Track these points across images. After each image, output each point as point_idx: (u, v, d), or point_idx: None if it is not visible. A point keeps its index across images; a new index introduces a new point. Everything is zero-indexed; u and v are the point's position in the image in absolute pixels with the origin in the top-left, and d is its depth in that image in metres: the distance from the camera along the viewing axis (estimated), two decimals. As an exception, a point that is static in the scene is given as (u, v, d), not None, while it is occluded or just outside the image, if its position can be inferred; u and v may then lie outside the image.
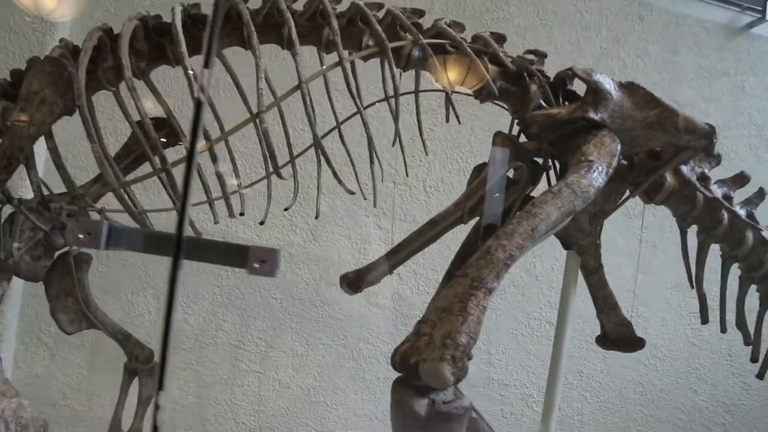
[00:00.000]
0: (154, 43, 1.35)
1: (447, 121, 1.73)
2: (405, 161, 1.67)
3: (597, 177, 1.24)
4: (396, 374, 1.13)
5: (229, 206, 1.38)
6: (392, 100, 1.42)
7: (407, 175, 1.85)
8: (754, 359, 1.72)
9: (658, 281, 2.65)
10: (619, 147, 1.32)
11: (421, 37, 1.33)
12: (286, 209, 1.68)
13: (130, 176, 1.48)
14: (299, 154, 1.52)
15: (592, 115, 1.33)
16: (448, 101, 1.48)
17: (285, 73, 1.45)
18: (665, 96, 2.75)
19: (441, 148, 2.46)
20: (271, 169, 1.36)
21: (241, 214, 1.58)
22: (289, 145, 1.44)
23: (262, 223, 1.60)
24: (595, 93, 1.33)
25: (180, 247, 0.55)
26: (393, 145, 1.48)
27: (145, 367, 1.82)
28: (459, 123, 1.56)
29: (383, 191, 2.40)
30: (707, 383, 2.66)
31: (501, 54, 1.42)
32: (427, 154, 1.79)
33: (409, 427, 1.03)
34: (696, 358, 2.64)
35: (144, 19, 1.33)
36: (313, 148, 1.46)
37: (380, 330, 2.37)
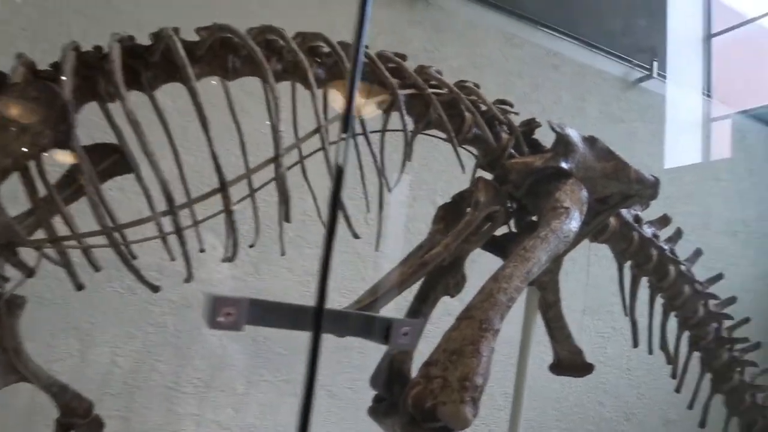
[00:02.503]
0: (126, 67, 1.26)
1: (409, 159, 1.79)
2: (366, 197, 1.70)
3: (575, 223, 1.37)
4: (336, 409, 1.14)
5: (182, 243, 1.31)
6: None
7: (368, 211, 1.87)
8: (673, 376, 1.96)
9: (570, 305, 2.88)
10: (586, 194, 1.46)
11: (426, 86, 1.38)
12: (251, 246, 1.63)
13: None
14: (259, 188, 1.48)
15: (563, 164, 1.46)
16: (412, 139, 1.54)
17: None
18: (576, 137, 3.01)
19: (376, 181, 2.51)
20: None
21: (202, 251, 1.51)
22: (249, 180, 1.41)
23: (201, 250, 1.54)
24: (566, 145, 1.47)
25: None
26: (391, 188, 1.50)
27: (84, 420, 1.65)
28: (410, 160, 1.62)
29: (319, 223, 2.40)
30: (611, 396, 2.95)
31: (480, 102, 1.52)
32: (390, 191, 1.83)
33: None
34: (602, 374, 2.92)
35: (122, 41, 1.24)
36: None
37: (323, 363, 2.35)
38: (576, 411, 2.86)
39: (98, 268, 1.32)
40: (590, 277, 2.75)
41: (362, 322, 0.59)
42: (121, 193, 2.10)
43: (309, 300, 2.13)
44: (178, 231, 1.16)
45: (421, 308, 1.63)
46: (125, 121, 1.15)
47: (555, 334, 1.69)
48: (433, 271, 1.60)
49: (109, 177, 1.46)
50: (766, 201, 3.43)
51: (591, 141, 1.53)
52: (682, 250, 3.20)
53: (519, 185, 1.48)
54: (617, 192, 1.57)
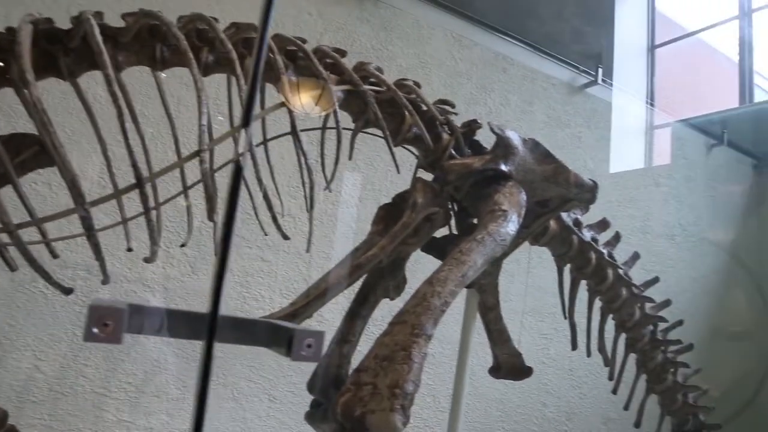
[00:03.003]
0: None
1: (350, 158, 1.76)
2: (312, 197, 1.66)
3: (512, 226, 1.36)
4: (277, 414, 1.11)
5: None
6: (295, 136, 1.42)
7: (309, 210, 1.83)
8: (611, 377, 1.99)
9: (515, 307, 2.91)
10: (524, 197, 1.46)
11: (361, 83, 1.34)
12: (182, 245, 1.57)
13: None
14: (192, 185, 1.42)
15: (502, 167, 1.45)
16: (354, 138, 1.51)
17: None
18: (523, 140, 3.03)
19: (319, 180, 2.47)
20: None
21: (129, 249, 1.43)
22: (183, 178, 1.35)
23: (147, 260, 1.47)
24: (506, 147, 1.46)
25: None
26: (327, 186, 1.46)
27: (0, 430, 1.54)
28: (350, 159, 1.59)
29: (266, 223, 2.34)
30: (553, 396, 2.99)
31: (420, 102, 1.49)
32: (330, 191, 1.78)
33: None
34: (545, 374, 2.96)
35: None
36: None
37: (262, 367, 2.29)
38: (519, 411, 2.89)
39: (14, 268, 1.23)
40: (533, 279, 2.78)
41: (262, 330, 0.55)
42: (48, 188, 1.98)
43: (248, 300, 2.06)
44: (88, 230, 1.09)
45: (359, 311, 1.59)
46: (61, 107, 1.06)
47: (494, 337, 1.68)
48: (373, 272, 1.57)
49: (28, 170, 1.37)
50: (702, 206, 3.56)
51: (532, 144, 1.53)
52: (623, 254, 3.27)
53: (458, 186, 1.46)
54: (556, 195, 1.57)
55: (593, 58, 3.10)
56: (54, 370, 1.98)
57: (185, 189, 1.38)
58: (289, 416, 2.30)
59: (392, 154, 1.45)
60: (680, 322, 2.05)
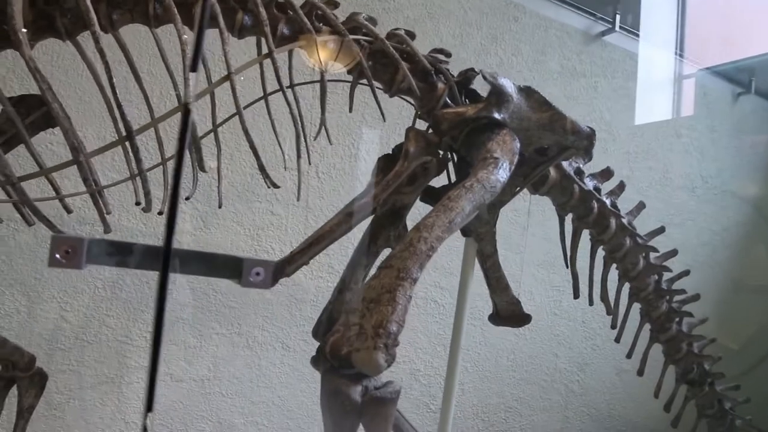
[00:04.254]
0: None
1: (350, 111, 1.77)
2: (307, 149, 1.69)
3: (503, 173, 1.36)
4: (291, 361, 1.16)
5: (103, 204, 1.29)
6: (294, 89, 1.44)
7: (309, 163, 1.86)
8: (613, 326, 2.01)
9: (526, 259, 2.92)
10: (518, 145, 1.46)
11: (346, 32, 1.35)
12: (187, 198, 1.62)
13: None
14: (202, 137, 1.46)
15: (495, 115, 1.44)
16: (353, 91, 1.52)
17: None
18: (535, 92, 2.99)
19: (332, 134, 2.49)
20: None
21: (137, 203, 1.49)
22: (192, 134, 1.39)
23: (160, 213, 1.53)
24: (499, 95, 1.45)
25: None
26: (316, 136, 1.49)
27: (26, 374, 1.66)
28: (350, 111, 1.60)
29: (277, 177, 2.38)
30: (566, 347, 3.03)
31: (413, 51, 1.49)
32: (331, 143, 1.81)
33: (347, 415, 1.07)
34: (557, 326, 2.99)
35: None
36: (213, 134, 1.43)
37: (275, 316, 2.37)
38: (531, 362, 2.94)
39: (30, 222, 1.30)
40: (545, 231, 2.78)
41: (218, 262, 0.59)
42: (64, 148, 2.05)
43: (259, 253, 2.12)
44: (88, 184, 1.14)
45: (361, 259, 1.64)
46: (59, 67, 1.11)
47: (493, 285, 1.71)
48: (375, 223, 1.61)
49: (39, 130, 1.43)
50: (725, 157, 3.47)
51: (527, 91, 1.51)
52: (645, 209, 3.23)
53: (454, 136, 1.46)
54: (554, 143, 1.57)
55: (611, 3, 3.00)
56: (79, 320, 2.10)
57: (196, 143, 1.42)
58: (301, 363, 2.40)
59: (378, 104, 1.46)
60: (687, 272, 2.04)
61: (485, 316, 1.77)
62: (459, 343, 1.70)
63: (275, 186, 1.31)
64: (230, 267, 0.57)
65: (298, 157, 1.36)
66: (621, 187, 1.91)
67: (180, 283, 2.25)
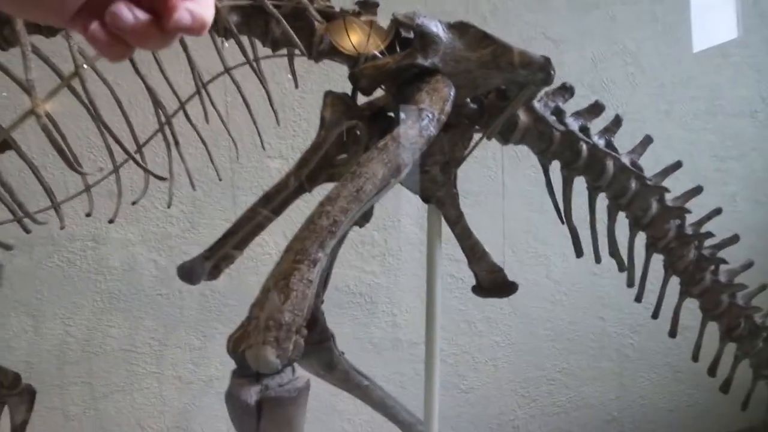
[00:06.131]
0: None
1: (296, 87, 1.64)
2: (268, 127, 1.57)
3: (427, 125, 1.18)
4: None
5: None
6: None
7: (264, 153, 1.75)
8: (630, 284, 1.75)
9: (553, 218, 2.66)
10: (452, 91, 1.26)
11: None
12: (133, 203, 1.56)
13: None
14: (147, 141, 1.39)
15: (421, 61, 1.26)
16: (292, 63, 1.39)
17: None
18: (539, 35, 2.72)
19: (315, 114, 2.37)
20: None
21: (88, 215, 1.44)
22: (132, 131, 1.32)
23: (111, 221, 1.48)
24: (422, 38, 1.26)
25: None
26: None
27: (13, 392, 1.68)
28: (296, 87, 1.47)
29: (259, 167, 2.29)
30: (613, 309, 2.74)
31: (327, 7, 1.33)
32: (278, 124, 1.68)
33: (241, 418, 0.96)
34: (599, 287, 2.70)
35: None
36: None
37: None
38: (573, 329, 2.68)
39: (8, 247, 1.28)
40: (578, 185, 2.50)
41: None
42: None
43: (252, 246, 2.00)
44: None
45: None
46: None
47: (468, 253, 1.52)
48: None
49: None
50: (789, 71, 2.98)
51: (460, 28, 1.30)
52: (682, 145, 2.85)
53: (392, 93, 1.29)
54: (505, 82, 1.35)
55: None
56: (83, 333, 2.13)
57: (139, 147, 1.34)
58: (310, 355, 2.32)
59: (293, 71, 1.31)
60: (719, 211, 1.73)
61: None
62: (435, 321, 1.53)
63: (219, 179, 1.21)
64: None
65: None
66: (617, 122, 1.64)
67: (177, 287, 2.23)
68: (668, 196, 1.68)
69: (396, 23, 1.35)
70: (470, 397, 2.53)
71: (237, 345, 1.01)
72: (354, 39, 1.33)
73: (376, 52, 1.30)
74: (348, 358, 1.66)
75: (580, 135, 1.55)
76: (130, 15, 0.40)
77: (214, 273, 1.41)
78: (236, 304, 2.23)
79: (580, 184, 1.65)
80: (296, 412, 0.97)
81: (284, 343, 0.96)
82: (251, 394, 0.95)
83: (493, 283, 1.55)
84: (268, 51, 1.34)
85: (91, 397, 2.13)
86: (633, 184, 1.63)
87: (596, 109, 1.61)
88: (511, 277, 1.58)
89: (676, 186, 1.71)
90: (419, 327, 2.49)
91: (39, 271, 2.08)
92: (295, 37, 1.27)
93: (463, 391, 2.50)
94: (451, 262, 2.45)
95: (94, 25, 0.41)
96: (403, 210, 2.35)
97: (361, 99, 1.38)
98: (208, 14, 0.43)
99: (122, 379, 2.17)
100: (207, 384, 2.23)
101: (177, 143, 1.26)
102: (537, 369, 2.63)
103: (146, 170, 1.24)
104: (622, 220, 1.71)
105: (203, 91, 1.32)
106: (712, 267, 1.73)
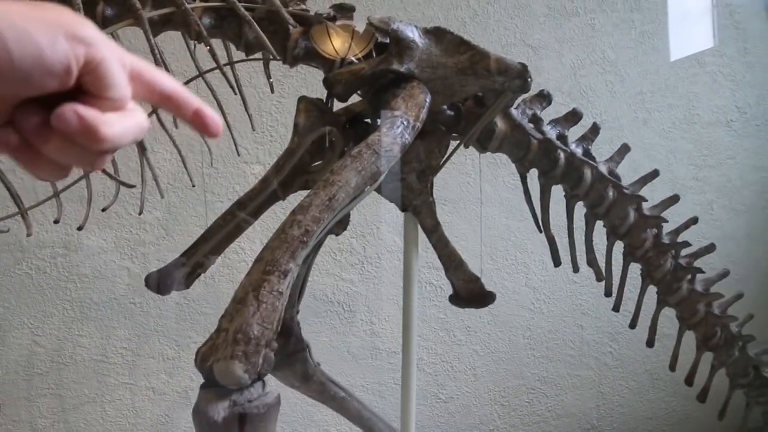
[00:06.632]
0: None
1: (272, 91, 1.61)
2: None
3: (402, 133, 1.16)
4: None
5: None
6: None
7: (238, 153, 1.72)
8: (607, 293, 1.75)
9: (532, 226, 2.65)
10: (428, 98, 1.25)
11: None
12: (103, 210, 1.51)
13: None
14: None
15: (396, 67, 1.24)
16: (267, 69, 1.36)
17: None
18: (519, 41, 2.72)
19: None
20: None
21: (56, 221, 1.40)
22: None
23: (80, 228, 1.44)
24: (398, 43, 1.24)
25: None
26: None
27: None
28: (272, 92, 1.45)
29: (235, 173, 2.26)
30: (591, 317, 2.74)
31: (302, 11, 1.30)
32: (254, 129, 1.66)
33: (208, 437, 0.92)
34: (578, 295, 2.70)
35: None
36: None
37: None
38: (551, 337, 2.68)
39: None
40: (559, 194, 2.50)
41: None
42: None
43: (228, 254, 1.97)
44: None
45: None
46: None
47: (445, 262, 1.50)
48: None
49: None
50: (764, 82, 3.02)
51: (437, 34, 1.29)
52: (660, 153, 2.87)
53: (369, 100, 1.27)
54: (481, 89, 1.33)
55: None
56: (52, 343, 2.06)
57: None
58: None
59: (268, 75, 1.29)
60: (695, 220, 1.74)
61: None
62: (412, 330, 1.51)
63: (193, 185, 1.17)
64: None
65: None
66: (595, 130, 1.64)
67: (150, 295, 2.17)
68: (645, 205, 1.68)
69: (371, 28, 1.33)
70: (449, 407, 2.50)
71: (205, 359, 0.98)
72: (336, 44, 1.31)
73: (353, 58, 1.28)
74: (326, 367, 1.62)
75: (558, 143, 1.54)
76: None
77: (188, 281, 1.37)
78: (212, 313, 2.19)
79: (558, 192, 1.64)
80: (266, 429, 0.94)
81: (253, 357, 0.93)
82: (219, 410, 0.92)
83: (470, 293, 1.53)
84: (244, 54, 1.32)
85: (60, 409, 2.07)
86: (610, 193, 1.62)
87: (574, 116, 1.61)
88: (489, 285, 1.56)
89: (653, 194, 1.71)
90: (398, 336, 2.46)
91: (6, 278, 2.02)
92: (267, 41, 1.25)
93: (442, 401, 2.48)
94: (430, 270, 2.44)
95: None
96: (381, 217, 2.33)
97: (339, 105, 1.36)
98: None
99: (93, 390, 2.11)
100: (181, 395, 2.18)
101: (144, 149, 1.22)
102: (516, 378, 2.62)
103: (112, 177, 1.20)
104: (600, 229, 1.70)
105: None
106: (689, 276, 1.74)
